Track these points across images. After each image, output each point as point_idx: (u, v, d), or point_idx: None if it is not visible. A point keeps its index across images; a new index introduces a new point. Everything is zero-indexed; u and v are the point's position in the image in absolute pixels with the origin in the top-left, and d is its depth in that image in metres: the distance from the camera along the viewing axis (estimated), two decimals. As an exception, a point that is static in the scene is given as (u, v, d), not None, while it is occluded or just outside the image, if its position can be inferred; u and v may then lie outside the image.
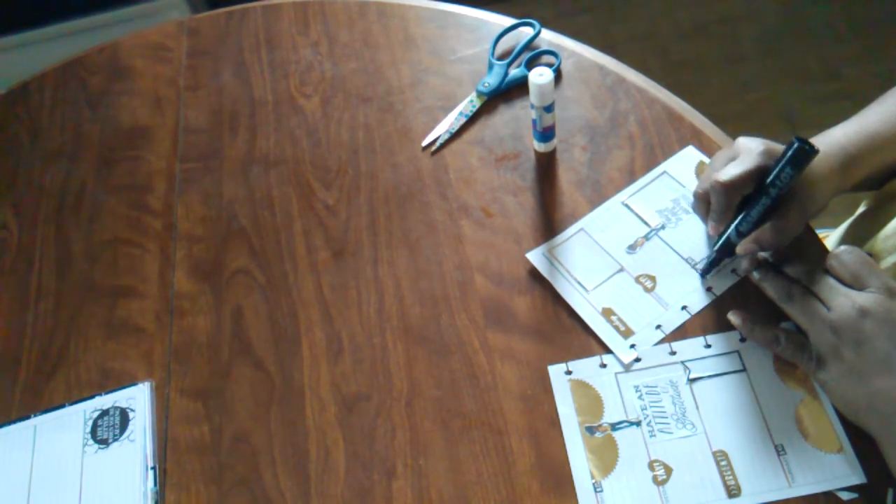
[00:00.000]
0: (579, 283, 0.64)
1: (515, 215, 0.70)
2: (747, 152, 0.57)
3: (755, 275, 0.59)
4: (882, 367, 0.51)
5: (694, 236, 0.65)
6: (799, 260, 0.58)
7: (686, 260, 0.64)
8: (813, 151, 0.53)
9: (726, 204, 0.58)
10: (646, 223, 0.67)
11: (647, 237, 0.66)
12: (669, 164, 0.70)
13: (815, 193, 0.57)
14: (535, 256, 0.66)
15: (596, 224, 0.68)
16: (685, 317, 0.61)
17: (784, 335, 0.56)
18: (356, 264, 0.70)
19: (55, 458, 0.64)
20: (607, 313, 0.62)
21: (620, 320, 0.62)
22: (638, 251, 0.65)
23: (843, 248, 0.55)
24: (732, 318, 0.59)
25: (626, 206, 0.68)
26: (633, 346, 0.60)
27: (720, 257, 0.62)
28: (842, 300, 0.53)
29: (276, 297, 0.69)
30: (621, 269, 0.65)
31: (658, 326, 0.61)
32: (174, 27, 0.93)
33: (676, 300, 0.62)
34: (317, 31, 0.88)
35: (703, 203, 0.61)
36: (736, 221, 0.59)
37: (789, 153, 0.53)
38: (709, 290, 0.62)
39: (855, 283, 0.54)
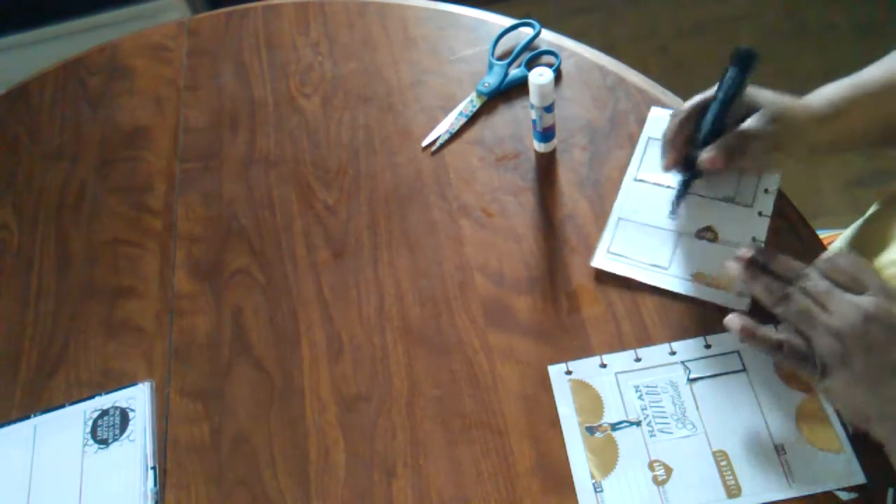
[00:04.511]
0: (654, 265, 0.64)
1: (515, 215, 0.70)
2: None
3: (740, 285, 0.58)
4: (892, 374, 0.49)
5: (714, 178, 0.66)
6: (790, 260, 0.55)
7: (722, 200, 0.66)
8: (752, 53, 0.58)
9: (677, 124, 0.62)
10: (667, 186, 0.67)
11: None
12: (647, 131, 0.72)
13: (791, 135, 0.59)
14: (600, 261, 0.65)
15: (628, 208, 0.68)
16: (759, 245, 0.62)
17: (787, 344, 0.52)
18: (356, 264, 0.70)
19: (55, 458, 0.64)
20: (699, 278, 0.63)
21: (713, 278, 0.62)
22: (679, 212, 0.66)
23: (835, 251, 0.53)
24: (729, 323, 0.55)
25: (641, 180, 0.69)
26: (739, 293, 0.61)
27: (685, 179, 0.64)
28: (844, 305, 0.51)
29: (276, 297, 0.69)
30: (680, 234, 0.65)
31: None
32: (174, 27, 0.93)
33: (743, 235, 0.63)
34: (317, 32, 0.88)
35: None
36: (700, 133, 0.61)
37: (733, 55, 0.59)
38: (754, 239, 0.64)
39: (853, 286, 0.52)
